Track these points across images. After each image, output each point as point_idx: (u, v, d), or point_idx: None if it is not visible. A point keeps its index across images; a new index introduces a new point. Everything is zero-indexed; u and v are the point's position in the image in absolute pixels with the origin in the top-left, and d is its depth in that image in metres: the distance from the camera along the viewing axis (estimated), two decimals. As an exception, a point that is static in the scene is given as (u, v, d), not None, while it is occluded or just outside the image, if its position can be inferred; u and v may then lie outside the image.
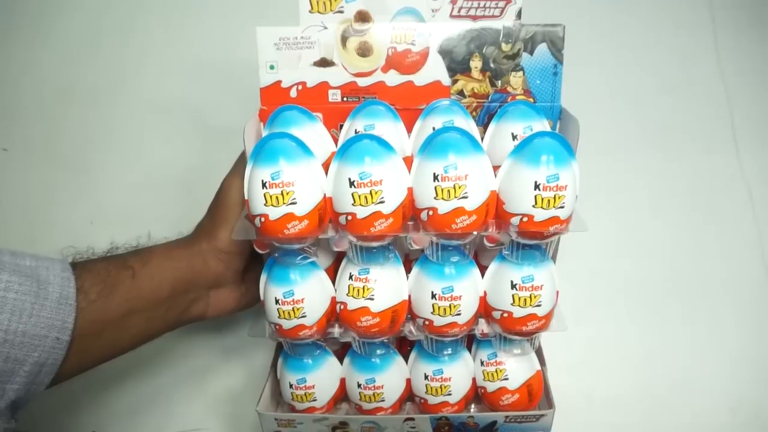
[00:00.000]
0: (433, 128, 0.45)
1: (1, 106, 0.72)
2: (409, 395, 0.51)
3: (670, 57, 0.73)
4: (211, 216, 0.48)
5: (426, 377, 0.48)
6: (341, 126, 0.48)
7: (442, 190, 0.39)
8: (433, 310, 0.43)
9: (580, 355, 0.62)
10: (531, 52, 0.47)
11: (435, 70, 0.47)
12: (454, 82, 0.48)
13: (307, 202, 0.40)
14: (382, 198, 0.39)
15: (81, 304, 0.40)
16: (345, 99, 0.48)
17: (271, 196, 0.39)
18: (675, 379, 0.62)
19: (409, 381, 0.50)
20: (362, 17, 0.47)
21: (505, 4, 0.46)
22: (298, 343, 0.46)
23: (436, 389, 0.48)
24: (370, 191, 0.39)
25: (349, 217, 0.40)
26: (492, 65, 0.47)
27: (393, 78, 0.48)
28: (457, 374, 0.48)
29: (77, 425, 0.51)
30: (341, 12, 0.46)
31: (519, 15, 0.46)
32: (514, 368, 0.48)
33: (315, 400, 0.48)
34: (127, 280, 0.44)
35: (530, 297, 0.43)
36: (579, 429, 0.59)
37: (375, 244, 0.42)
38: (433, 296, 0.43)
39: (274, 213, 0.39)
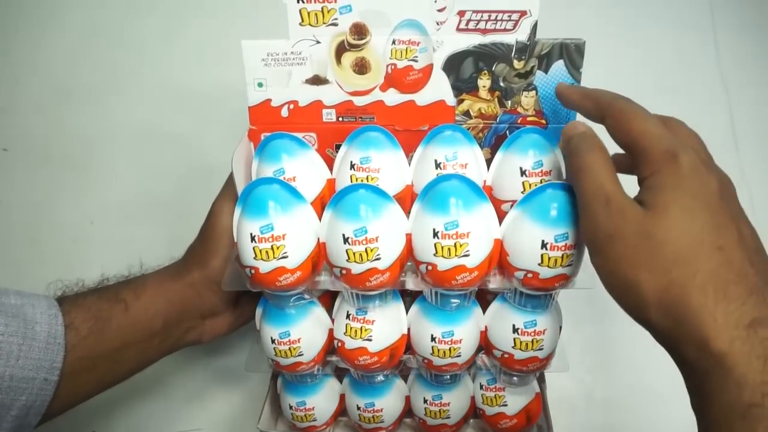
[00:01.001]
0: (435, 161, 0.41)
1: (1, 106, 0.70)
2: (408, 409, 0.51)
3: (670, 57, 0.72)
4: (202, 241, 0.46)
5: (425, 401, 0.48)
6: (337, 146, 0.45)
7: (442, 247, 0.36)
8: (433, 352, 0.42)
9: (579, 355, 0.62)
10: (546, 70, 0.42)
11: (439, 89, 0.43)
12: (460, 102, 0.44)
13: (299, 255, 0.38)
14: (378, 255, 0.37)
15: (71, 341, 0.40)
16: (340, 119, 0.45)
17: (260, 250, 0.37)
18: (675, 379, 0.61)
19: (408, 398, 0.50)
20: (359, 31, 0.42)
21: (519, 17, 0.41)
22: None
23: (435, 413, 0.48)
24: (365, 249, 0.36)
25: (344, 271, 0.38)
26: (502, 84, 0.43)
27: (393, 97, 0.44)
28: (456, 399, 0.48)
29: (76, 425, 0.52)
30: (335, 25, 0.42)
31: (534, 29, 0.41)
32: (514, 395, 0.48)
33: (315, 420, 0.49)
34: (120, 314, 0.43)
35: (532, 342, 0.41)
36: (579, 429, 0.60)
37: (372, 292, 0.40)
38: (433, 339, 0.42)
39: (264, 266, 0.38)
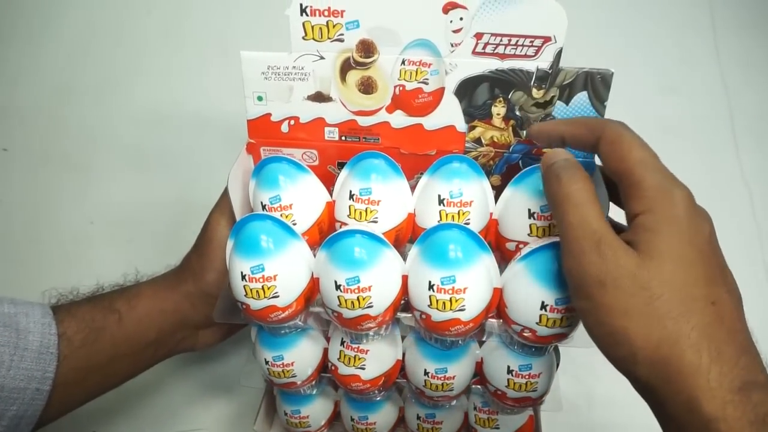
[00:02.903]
0: (439, 196, 0.39)
1: (1, 106, 0.70)
2: (401, 419, 0.52)
3: (670, 57, 0.71)
4: (197, 253, 0.45)
5: (418, 417, 0.48)
6: (339, 164, 0.43)
7: (437, 300, 0.35)
8: (425, 385, 0.42)
9: (579, 355, 0.62)
10: (567, 101, 0.39)
11: (449, 114, 0.40)
12: (471, 128, 0.41)
13: (290, 294, 0.37)
14: (371, 303, 0.36)
15: (64, 351, 0.40)
16: (344, 138, 0.42)
17: (251, 290, 0.36)
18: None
19: (402, 409, 0.50)
20: (366, 48, 0.39)
21: (543, 43, 0.37)
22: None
23: (428, 430, 0.48)
24: (358, 297, 0.35)
25: (336, 314, 0.37)
26: (518, 113, 0.40)
27: (399, 119, 0.41)
28: (449, 418, 0.48)
29: (77, 425, 0.54)
30: (341, 41, 0.38)
31: (558, 57, 0.37)
32: (507, 419, 0.47)
33: (309, 427, 0.50)
34: (113, 325, 0.43)
35: (526, 384, 0.41)
36: (579, 429, 0.61)
37: (365, 330, 0.39)
38: (426, 374, 0.41)
39: (255, 304, 0.37)
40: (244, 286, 0.36)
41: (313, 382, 0.46)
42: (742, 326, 0.27)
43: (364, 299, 0.35)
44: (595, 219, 0.29)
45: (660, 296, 0.27)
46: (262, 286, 0.36)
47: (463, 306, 0.35)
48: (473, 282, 0.35)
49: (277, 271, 0.36)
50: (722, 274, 0.28)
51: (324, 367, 0.45)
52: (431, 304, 0.35)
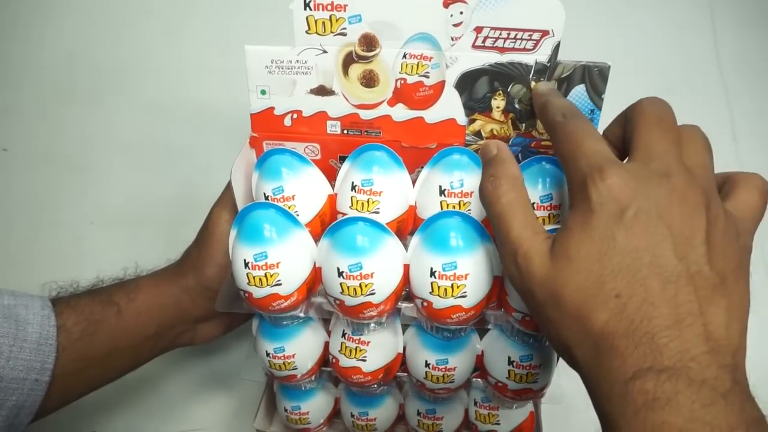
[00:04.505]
0: (440, 187, 0.40)
1: (1, 106, 0.70)
2: (401, 415, 0.52)
3: (670, 57, 0.72)
4: (198, 247, 0.45)
5: (418, 413, 0.48)
6: (341, 158, 0.44)
7: (438, 287, 0.35)
8: (426, 377, 0.42)
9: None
10: (565, 94, 0.39)
11: (450, 107, 0.41)
12: (471, 121, 0.41)
13: (293, 282, 0.37)
14: (373, 290, 0.36)
15: (63, 343, 0.40)
16: (346, 132, 0.43)
17: (254, 277, 0.36)
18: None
19: (402, 405, 0.50)
20: (368, 42, 0.39)
21: (541, 37, 0.38)
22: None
23: (428, 426, 0.48)
24: (360, 284, 0.35)
25: (338, 302, 0.37)
26: (517, 106, 0.40)
27: (401, 112, 0.41)
28: (450, 414, 0.48)
29: (76, 425, 0.54)
30: (343, 35, 0.39)
31: (556, 51, 0.38)
32: (507, 415, 0.47)
33: (309, 423, 0.50)
34: (113, 318, 0.43)
35: (527, 375, 0.41)
36: (579, 429, 0.61)
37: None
38: (427, 365, 0.41)
39: (258, 292, 0.37)
40: (246, 273, 0.36)
41: (314, 376, 0.46)
42: (648, 314, 0.24)
43: (366, 286, 0.36)
44: (514, 229, 0.29)
45: (561, 302, 0.26)
46: (265, 274, 0.36)
47: (465, 292, 0.35)
48: (475, 268, 0.35)
49: (279, 259, 0.36)
50: (643, 252, 0.25)
51: (325, 361, 0.45)
52: (433, 291, 0.35)
